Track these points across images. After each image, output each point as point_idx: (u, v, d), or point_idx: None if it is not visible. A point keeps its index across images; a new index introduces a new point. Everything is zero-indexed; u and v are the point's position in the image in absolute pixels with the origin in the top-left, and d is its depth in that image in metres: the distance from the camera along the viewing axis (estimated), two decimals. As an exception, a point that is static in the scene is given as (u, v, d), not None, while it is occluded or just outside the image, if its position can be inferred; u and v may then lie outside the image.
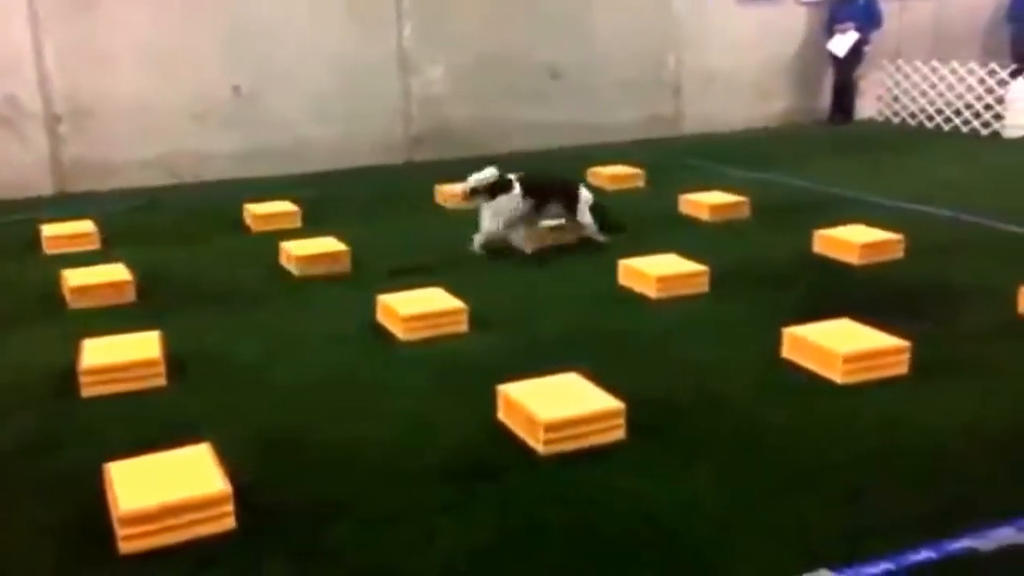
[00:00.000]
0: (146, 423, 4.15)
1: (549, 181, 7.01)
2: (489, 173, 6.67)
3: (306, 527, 3.32)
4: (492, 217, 6.68)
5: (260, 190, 8.67)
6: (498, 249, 6.73)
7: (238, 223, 7.88)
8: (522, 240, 6.79)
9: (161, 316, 5.45)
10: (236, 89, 9.81)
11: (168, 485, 3.32)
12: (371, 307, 5.42)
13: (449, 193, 8.40)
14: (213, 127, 9.80)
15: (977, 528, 3.16)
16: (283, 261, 6.60)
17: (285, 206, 7.95)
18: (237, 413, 4.27)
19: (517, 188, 6.67)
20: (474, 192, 6.70)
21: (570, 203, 6.84)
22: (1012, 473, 3.59)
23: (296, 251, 6.46)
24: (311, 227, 7.44)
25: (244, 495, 3.37)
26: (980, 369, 4.53)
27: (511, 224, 6.73)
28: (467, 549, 3.17)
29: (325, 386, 4.57)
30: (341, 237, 6.76)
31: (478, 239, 6.77)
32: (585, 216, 6.84)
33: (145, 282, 6.08)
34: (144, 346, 4.72)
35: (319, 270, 6.35)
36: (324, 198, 8.74)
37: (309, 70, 10.03)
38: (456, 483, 3.60)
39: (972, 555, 3.05)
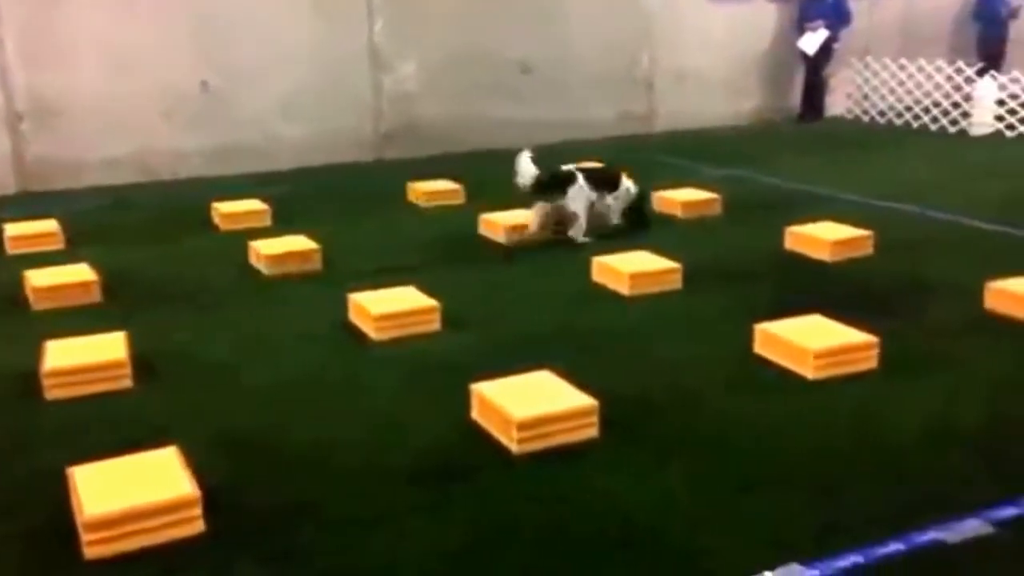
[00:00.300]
0: (112, 426, 4.09)
1: (599, 170, 7.36)
2: (526, 162, 6.85)
3: (276, 530, 3.28)
4: (581, 205, 6.86)
5: (229, 188, 8.59)
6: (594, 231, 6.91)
7: (206, 222, 7.79)
8: (614, 221, 7.10)
9: (128, 316, 5.38)
10: (204, 84, 9.71)
11: (135, 489, 3.27)
12: (342, 306, 5.37)
13: (420, 191, 8.39)
14: (181, 124, 9.70)
15: (944, 520, 3.18)
16: (252, 260, 6.54)
17: (254, 204, 7.88)
18: (206, 414, 4.22)
19: (581, 178, 6.87)
20: (540, 186, 6.82)
21: (612, 189, 7.07)
22: (978, 466, 3.61)
23: (265, 250, 6.40)
24: (281, 225, 7.37)
25: (213, 498, 3.33)
26: (947, 364, 4.57)
27: (592, 207, 6.98)
28: (440, 550, 3.14)
29: (295, 386, 4.52)
30: (311, 235, 6.71)
31: (579, 230, 6.89)
32: (576, 204, 6.89)
33: (111, 282, 5.99)
34: (110, 347, 4.65)
35: (289, 269, 6.30)
36: (294, 196, 8.67)
37: (278, 66, 9.94)
38: (429, 483, 3.57)
39: (939, 547, 3.07)
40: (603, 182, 7.05)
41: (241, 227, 7.43)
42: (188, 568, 3.09)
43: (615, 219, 7.10)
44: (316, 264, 6.42)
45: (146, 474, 3.39)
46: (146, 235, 7.48)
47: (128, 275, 6.29)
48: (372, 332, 5.07)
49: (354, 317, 5.29)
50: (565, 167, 6.99)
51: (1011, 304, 5.12)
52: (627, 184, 7.14)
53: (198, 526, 3.23)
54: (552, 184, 6.81)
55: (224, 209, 7.74)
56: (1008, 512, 3.24)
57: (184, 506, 3.22)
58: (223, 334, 5.24)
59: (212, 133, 9.79)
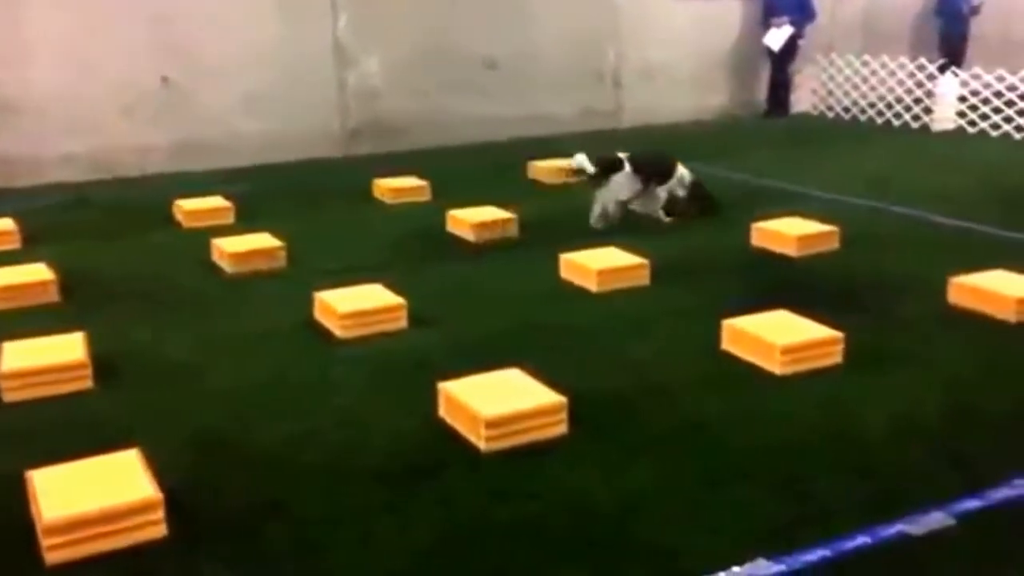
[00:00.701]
0: (72, 428, 4.02)
1: (652, 158, 7.24)
2: (582, 159, 7.01)
3: (241, 531, 3.24)
4: (612, 195, 6.94)
5: (191, 185, 8.49)
6: (613, 226, 6.94)
7: (168, 219, 7.69)
8: (659, 211, 7.14)
9: (87, 316, 5.29)
10: (165, 80, 9.59)
11: (96, 492, 3.21)
12: (308, 304, 5.32)
13: (386, 187, 8.34)
14: (142, 121, 9.56)
15: (909, 513, 3.21)
16: (215, 258, 6.47)
17: (217, 201, 7.79)
18: (168, 415, 4.16)
19: (628, 167, 6.91)
20: (581, 172, 7.03)
21: (662, 180, 7.13)
22: (942, 459, 3.65)
23: (228, 247, 6.33)
24: (244, 223, 7.29)
25: (177, 500, 3.28)
26: (912, 358, 4.61)
27: (629, 200, 7.04)
28: (408, 549, 3.12)
29: (260, 385, 4.47)
30: (276, 233, 6.64)
31: (596, 213, 7.00)
32: (618, 192, 6.96)
33: (70, 281, 5.90)
34: (69, 348, 4.57)
35: (253, 267, 6.23)
36: (258, 193, 8.59)
37: (242, 62, 9.83)
38: (396, 482, 3.55)
39: (904, 539, 3.10)
40: (654, 171, 7.06)
41: (204, 224, 7.35)
42: (152, 572, 3.04)
43: (660, 209, 7.14)
44: (280, 262, 6.35)
45: (108, 477, 3.33)
46: (106, 233, 7.37)
47: (87, 274, 6.19)
48: (338, 330, 5.02)
49: (319, 315, 5.24)
50: (620, 153, 7.04)
51: (974, 299, 5.17)
52: (681, 172, 7.18)
53: (161, 529, 3.18)
54: (601, 170, 6.93)
55: (186, 206, 7.64)
56: (971, 504, 3.27)
57: (147, 509, 3.17)
58: (185, 333, 5.17)
59: (174, 129, 9.67)
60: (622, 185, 6.97)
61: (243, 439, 3.92)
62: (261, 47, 9.90)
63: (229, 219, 7.55)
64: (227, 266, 6.28)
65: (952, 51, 13.09)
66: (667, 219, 7.16)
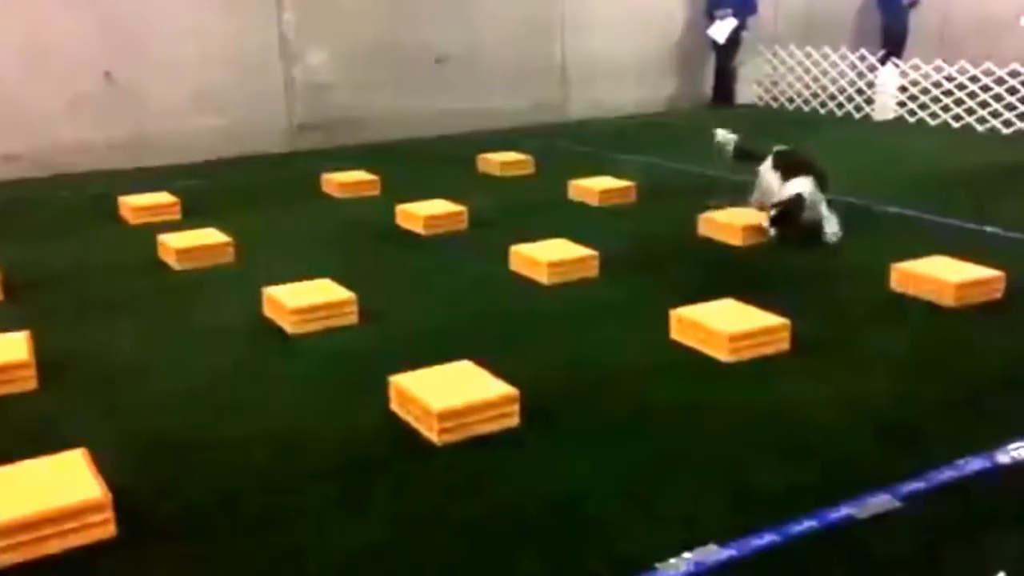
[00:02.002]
0: (16, 429, 3.96)
1: (800, 160, 6.63)
2: (723, 134, 6.97)
3: (191, 531, 3.22)
4: (760, 184, 6.72)
5: (138, 182, 8.36)
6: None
7: (114, 216, 7.58)
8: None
9: (31, 316, 5.19)
10: (108, 75, 9.43)
11: (42, 493, 3.16)
12: (257, 300, 5.28)
13: (335, 182, 8.29)
14: (87, 117, 9.40)
15: (855, 497, 3.27)
16: (161, 255, 6.38)
17: (163, 198, 7.69)
18: (115, 415, 4.10)
19: (769, 161, 6.64)
20: (740, 153, 6.92)
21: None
22: (886, 443, 3.73)
23: (175, 244, 6.26)
24: (192, 219, 7.21)
25: (125, 501, 3.24)
26: (856, 344, 4.71)
27: (763, 195, 6.65)
28: (361, 543, 3.12)
29: (209, 383, 4.43)
30: (223, 229, 6.58)
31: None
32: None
33: (13, 280, 5.79)
34: (11, 348, 4.47)
35: (200, 263, 6.16)
36: (205, 189, 8.49)
37: (188, 58, 9.70)
38: (348, 477, 3.54)
39: (850, 522, 3.16)
40: (794, 172, 6.40)
41: (150, 221, 7.26)
42: (100, 573, 3.01)
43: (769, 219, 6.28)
44: (229, 258, 6.30)
45: (54, 478, 3.28)
46: (50, 231, 7.24)
47: (31, 272, 6.08)
48: (288, 326, 4.99)
49: (269, 311, 5.20)
50: (778, 147, 6.73)
51: (915, 284, 5.28)
52: (799, 185, 6.26)
53: (109, 530, 3.14)
54: (745, 155, 6.87)
55: (132, 203, 7.54)
56: (915, 486, 3.34)
57: (94, 510, 3.13)
58: (132, 331, 5.11)
59: (120, 126, 9.52)
60: (762, 177, 6.67)
61: (192, 437, 3.88)
62: (207, 42, 9.78)
63: (176, 215, 7.45)
64: (174, 263, 6.20)
65: (893, 43, 13.32)
66: (771, 230, 6.25)
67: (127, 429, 3.95)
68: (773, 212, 6.18)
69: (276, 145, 10.27)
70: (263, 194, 8.38)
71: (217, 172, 9.39)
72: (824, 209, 6.31)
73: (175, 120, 9.73)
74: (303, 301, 5.06)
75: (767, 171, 6.66)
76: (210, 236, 6.44)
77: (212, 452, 3.76)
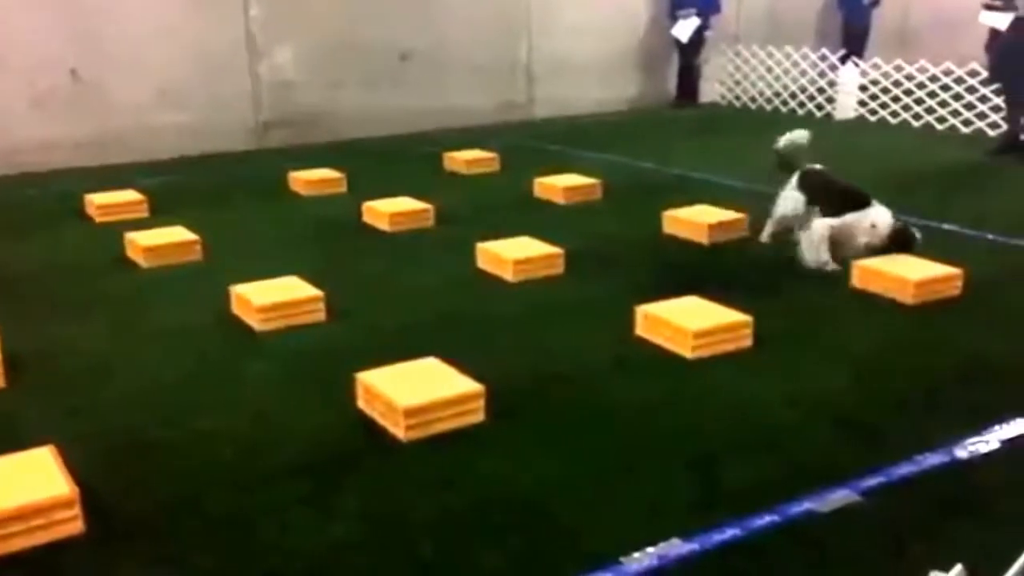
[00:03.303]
0: (-18, 428, 3.94)
1: (833, 183, 5.98)
2: (798, 136, 6.26)
3: (158, 528, 3.22)
4: (780, 203, 6.11)
5: (104, 179, 8.29)
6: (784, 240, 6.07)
7: (80, 214, 7.52)
8: (802, 251, 5.75)
9: (-4, 314, 5.17)
10: (74, 73, 9.34)
11: (9, 490, 3.16)
12: (224, 298, 5.28)
13: (302, 180, 8.27)
14: (52, 114, 9.29)
15: (816, 491, 3.34)
16: (129, 253, 6.35)
17: (130, 195, 7.64)
18: (82, 413, 4.09)
19: (794, 179, 6.03)
20: (781, 162, 6.19)
21: (829, 212, 5.73)
22: (847, 437, 3.80)
23: (142, 241, 6.23)
24: (159, 217, 7.17)
25: (92, 498, 3.25)
26: (817, 340, 4.79)
27: (793, 218, 6.00)
28: (328, 540, 3.14)
29: (176, 381, 4.43)
30: (191, 226, 6.55)
31: (767, 227, 6.22)
32: (811, 234, 5.73)
33: (-23, 279, 5.75)
34: (-23, 346, 4.46)
35: (168, 261, 6.14)
36: (172, 186, 8.44)
37: (154, 54, 9.63)
38: (315, 474, 3.56)
39: (811, 516, 3.22)
40: (821, 196, 5.84)
41: (117, 219, 7.21)
42: (67, 570, 3.01)
43: (806, 251, 5.76)
44: (196, 256, 6.28)
45: (21, 475, 3.28)
46: (16, 229, 7.17)
47: (-5, 271, 6.04)
48: (255, 323, 4.99)
49: (236, 309, 5.20)
50: (815, 167, 6.07)
51: (876, 282, 5.38)
52: (877, 217, 5.63)
53: (78, 526, 3.15)
54: (786, 166, 6.19)
55: (99, 201, 7.48)
56: (875, 481, 3.41)
57: (62, 506, 3.14)
58: (99, 329, 5.08)
59: (85, 123, 9.42)
60: (782, 197, 6.10)
61: (160, 435, 3.88)
62: (173, 39, 9.70)
63: (143, 213, 7.40)
64: (141, 261, 6.17)
65: (853, 42, 13.49)
66: (809, 262, 5.72)
67: (94, 427, 3.94)
68: (890, 245, 5.59)
69: (243, 143, 10.23)
70: (230, 192, 8.35)
71: (184, 170, 9.33)
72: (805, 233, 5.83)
73: (141, 117, 9.65)
74: (270, 299, 5.06)
75: (789, 189, 6.09)
76: (177, 234, 6.41)
77: (179, 450, 3.77)
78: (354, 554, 3.08)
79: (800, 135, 6.29)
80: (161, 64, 9.67)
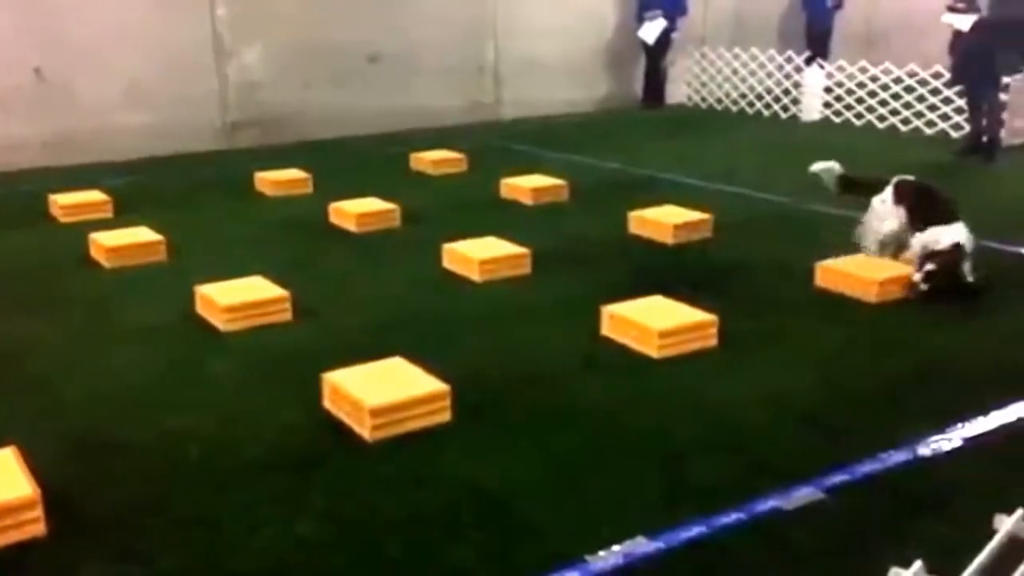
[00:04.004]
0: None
1: (929, 193, 5.67)
2: (821, 167, 6.06)
3: (122, 529, 3.20)
4: (884, 224, 5.71)
5: (69, 179, 8.19)
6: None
7: (44, 215, 7.43)
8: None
9: (-44, 315, 5.10)
10: (38, 72, 9.21)
11: (-31, 494, 3.12)
12: (189, 298, 5.24)
13: (268, 180, 8.22)
14: (16, 114, 9.16)
15: (781, 489, 3.37)
16: (93, 253, 6.28)
17: (95, 195, 7.56)
18: (45, 414, 4.05)
19: (888, 191, 5.71)
20: (845, 183, 5.88)
21: (928, 224, 5.43)
22: (811, 435, 3.84)
23: (106, 242, 6.16)
24: (123, 217, 7.09)
25: (56, 499, 3.22)
26: (782, 340, 4.83)
27: (891, 238, 5.68)
28: (294, 541, 3.13)
29: (140, 382, 4.39)
30: (155, 227, 6.49)
31: (871, 242, 5.78)
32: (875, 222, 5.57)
33: (-64, 280, 5.66)
34: (-63, 348, 4.40)
35: (132, 262, 6.08)
36: (137, 187, 8.36)
37: (120, 53, 9.52)
38: (280, 474, 3.55)
39: (776, 513, 3.25)
40: (924, 210, 5.50)
41: (81, 219, 7.14)
42: (30, 572, 2.98)
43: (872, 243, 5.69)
44: (160, 256, 6.22)
45: (-19, 478, 3.24)
46: (-25, 229, 7.08)
47: (-46, 272, 5.96)
48: (221, 324, 4.96)
49: (202, 309, 5.16)
50: (900, 177, 5.76)
51: (839, 282, 5.43)
52: (955, 233, 5.30)
53: (40, 527, 3.12)
54: (857, 186, 5.86)
55: (63, 201, 7.40)
56: (839, 478, 3.45)
57: (24, 507, 3.11)
58: (63, 330, 5.03)
59: (51, 123, 9.30)
60: (876, 213, 5.74)
61: (124, 436, 3.85)
62: (139, 38, 9.60)
63: (108, 213, 7.33)
64: (105, 261, 6.11)
65: (816, 44, 13.63)
66: (922, 285, 5.23)
67: (58, 427, 3.90)
68: (929, 266, 5.22)
69: (209, 143, 10.14)
70: (196, 192, 8.29)
71: (149, 170, 9.24)
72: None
73: (107, 117, 9.53)
74: (236, 299, 5.03)
75: (885, 205, 5.72)
76: (142, 234, 6.36)
77: (145, 450, 3.74)
78: (321, 553, 3.07)
79: (823, 166, 6.14)
80: (127, 64, 9.56)
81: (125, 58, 9.55)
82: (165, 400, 4.19)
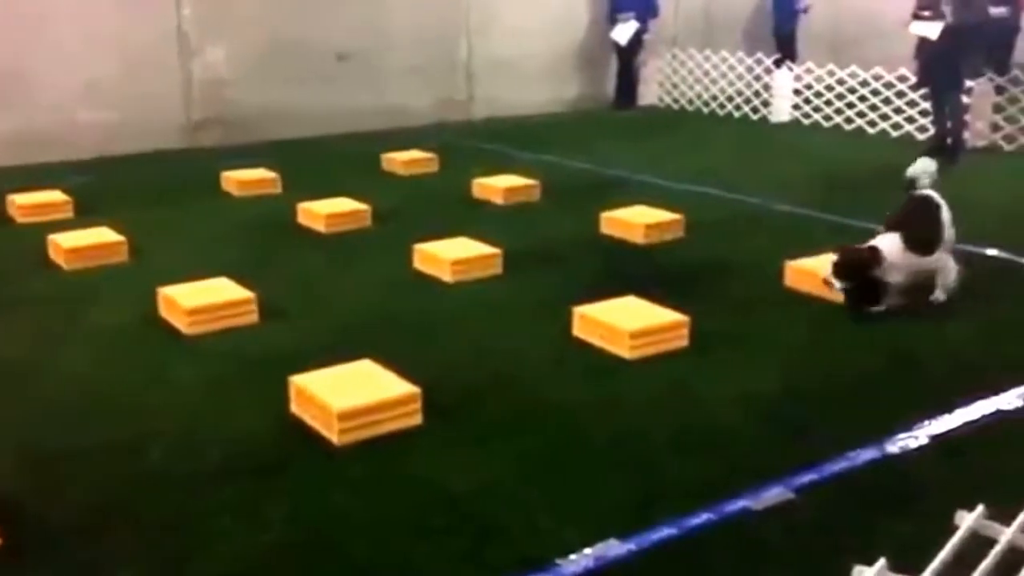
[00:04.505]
0: None
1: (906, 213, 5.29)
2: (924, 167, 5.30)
3: (80, 539, 3.12)
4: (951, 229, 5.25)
5: (28, 179, 8.04)
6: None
7: (2, 215, 7.29)
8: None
9: (-90, 318, 4.97)
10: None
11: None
12: (151, 301, 5.14)
13: (235, 180, 8.12)
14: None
15: (751, 489, 3.35)
16: (52, 255, 6.16)
17: (54, 195, 7.42)
18: (3, 420, 3.95)
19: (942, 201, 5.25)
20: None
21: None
22: (781, 435, 3.83)
23: (66, 243, 6.04)
24: (84, 217, 6.96)
25: (12, 509, 3.14)
26: (753, 339, 4.82)
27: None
28: (258, 548, 3.07)
29: (100, 387, 4.29)
30: (117, 227, 6.38)
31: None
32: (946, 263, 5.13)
33: None
34: None
35: (93, 263, 5.97)
36: (99, 186, 8.22)
37: (82, 50, 9.35)
38: (245, 480, 3.48)
39: (746, 513, 3.24)
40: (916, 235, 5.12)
41: (40, 220, 7.00)
42: (-17, 585, 2.90)
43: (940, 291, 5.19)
44: (122, 257, 6.11)
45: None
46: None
47: (-90, 273, 5.82)
48: (184, 327, 4.87)
49: (164, 312, 5.07)
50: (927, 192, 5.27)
51: (808, 281, 5.43)
52: (882, 240, 5.09)
53: (-7, 539, 3.03)
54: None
55: (21, 201, 7.26)
56: (807, 477, 3.44)
57: (-24, 519, 3.02)
58: (20, 334, 4.92)
59: (9, 121, 9.11)
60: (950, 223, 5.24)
61: (82, 443, 3.76)
62: (102, 34, 9.44)
63: (68, 214, 7.19)
64: (65, 263, 5.99)
65: (784, 47, 13.72)
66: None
67: (16, 434, 3.81)
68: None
69: (173, 142, 10.00)
70: (159, 192, 8.15)
71: (111, 169, 9.09)
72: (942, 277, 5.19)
73: (68, 115, 9.37)
74: (200, 301, 4.94)
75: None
76: (103, 235, 6.24)
77: (102, 458, 3.65)
78: (286, 559, 3.01)
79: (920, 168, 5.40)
80: (88, 60, 9.39)
81: (86, 55, 9.39)
82: (125, 406, 4.09)
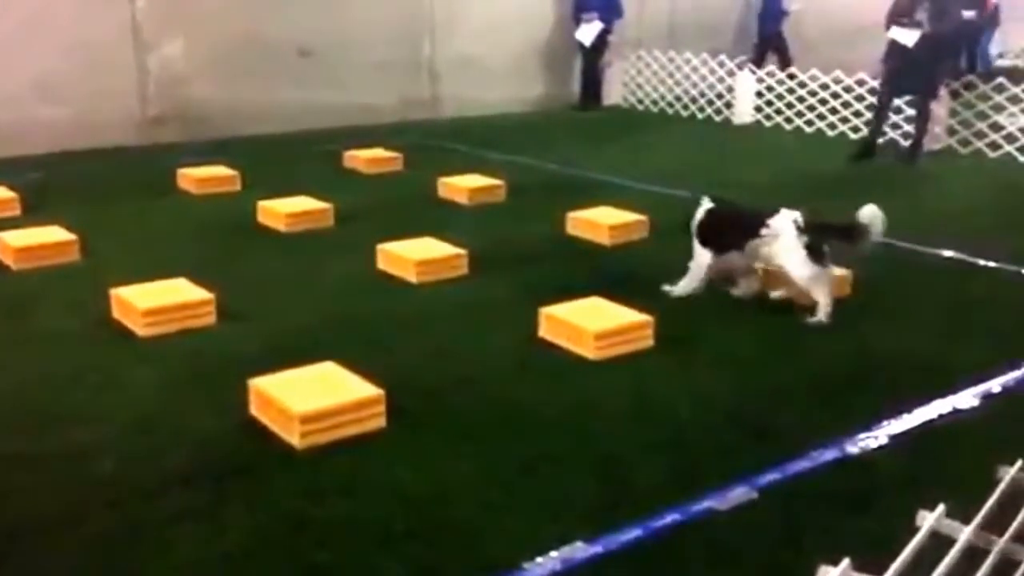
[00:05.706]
0: None
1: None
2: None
3: (30, 548, 3.01)
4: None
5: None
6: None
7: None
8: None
9: None
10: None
11: None
12: (104, 302, 5.00)
13: (192, 177, 7.96)
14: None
15: (716, 489, 3.34)
16: None
17: (1, 192, 7.21)
18: (-53, 424, 3.82)
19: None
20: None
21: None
22: (745, 436, 3.82)
23: (14, 242, 5.88)
24: (33, 215, 6.78)
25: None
26: (716, 340, 4.82)
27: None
28: (216, 555, 2.98)
29: (51, 391, 4.15)
30: (68, 226, 6.22)
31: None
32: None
33: None
34: None
35: (42, 263, 5.81)
36: (49, 183, 8.02)
37: (32, 42, 9.11)
38: (203, 485, 3.38)
39: (712, 514, 3.23)
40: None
41: (-13, 218, 6.82)
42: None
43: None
44: (73, 257, 5.95)
45: None
46: None
47: None
48: (139, 328, 4.74)
49: (118, 313, 4.93)
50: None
51: (770, 283, 5.42)
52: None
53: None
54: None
55: (-32, 198, 7.07)
56: (771, 477, 3.44)
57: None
58: (-34, 336, 4.77)
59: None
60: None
61: (32, 448, 3.64)
62: (53, 26, 9.21)
63: (16, 212, 7.00)
64: (12, 263, 5.82)
65: (768, 47, 13.96)
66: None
67: (-42, 440, 3.67)
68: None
69: (128, 138, 9.78)
70: (113, 189, 7.97)
71: (63, 165, 8.87)
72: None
73: (17, 110, 9.11)
74: (155, 302, 4.82)
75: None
76: (53, 234, 6.08)
77: (54, 463, 3.54)
78: (246, 566, 2.93)
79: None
80: (37, 54, 9.14)
81: (39, 47, 9.13)
82: (76, 410, 3.97)
